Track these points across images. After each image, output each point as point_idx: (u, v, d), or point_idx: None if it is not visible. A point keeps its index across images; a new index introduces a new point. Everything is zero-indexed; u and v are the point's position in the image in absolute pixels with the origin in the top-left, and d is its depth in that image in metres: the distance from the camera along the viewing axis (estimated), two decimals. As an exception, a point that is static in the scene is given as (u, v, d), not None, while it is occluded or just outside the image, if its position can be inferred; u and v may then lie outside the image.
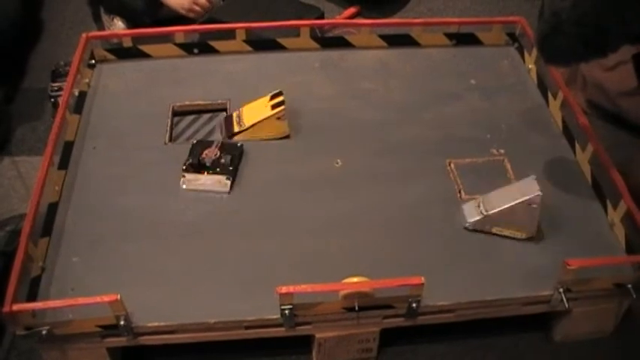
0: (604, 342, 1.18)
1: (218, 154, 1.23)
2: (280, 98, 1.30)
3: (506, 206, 1.13)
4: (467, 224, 1.17)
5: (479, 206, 1.16)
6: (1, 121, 1.56)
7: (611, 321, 1.17)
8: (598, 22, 1.01)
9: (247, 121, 1.30)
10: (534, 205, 1.12)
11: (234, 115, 1.33)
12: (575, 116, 1.31)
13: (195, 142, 1.27)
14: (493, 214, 1.14)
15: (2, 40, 1.63)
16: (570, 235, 1.17)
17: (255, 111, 1.31)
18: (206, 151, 1.23)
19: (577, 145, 1.31)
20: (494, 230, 1.16)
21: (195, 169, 1.22)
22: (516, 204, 1.12)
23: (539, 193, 1.11)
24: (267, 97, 1.32)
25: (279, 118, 1.29)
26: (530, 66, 1.49)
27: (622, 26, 1.01)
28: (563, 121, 1.36)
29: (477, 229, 1.17)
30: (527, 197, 1.12)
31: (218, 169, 1.22)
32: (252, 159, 1.28)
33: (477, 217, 1.16)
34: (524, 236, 1.16)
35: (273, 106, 1.29)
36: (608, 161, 1.21)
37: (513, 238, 1.16)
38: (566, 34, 1.03)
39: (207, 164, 1.22)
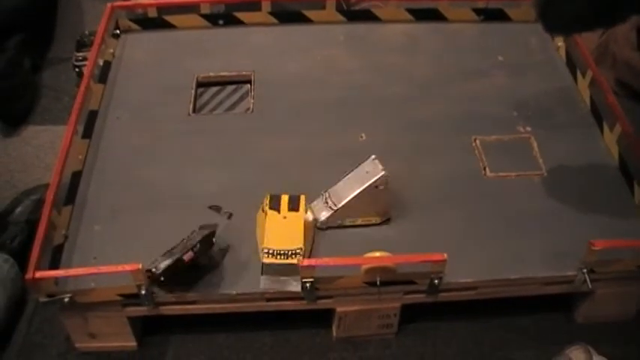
0: (626, 325, 1.17)
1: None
2: None
3: (354, 195, 1.09)
4: (319, 224, 1.11)
5: (327, 202, 1.11)
6: (27, 91, 1.56)
7: (634, 304, 1.16)
8: None
9: None
10: (381, 187, 1.09)
11: None
12: (603, 95, 1.28)
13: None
14: (342, 206, 1.09)
15: (28, 10, 1.63)
16: (596, 216, 1.15)
17: None
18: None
19: (605, 125, 1.28)
20: (347, 222, 1.11)
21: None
22: (364, 189, 1.08)
23: (384, 172, 1.08)
24: None
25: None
26: (559, 43, 1.46)
27: None
28: (592, 100, 1.34)
29: (330, 227, 1.11)
30: (373, 180, 1.08)
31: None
32: (275, 128, 1.28)
33: (327, 214, 1.10)
34: (378, 221, 1.12)
35: None
36: (636, 142, 1.19)
37: (368, 225, 1.12)
38: (573, 0, 0.94)
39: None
